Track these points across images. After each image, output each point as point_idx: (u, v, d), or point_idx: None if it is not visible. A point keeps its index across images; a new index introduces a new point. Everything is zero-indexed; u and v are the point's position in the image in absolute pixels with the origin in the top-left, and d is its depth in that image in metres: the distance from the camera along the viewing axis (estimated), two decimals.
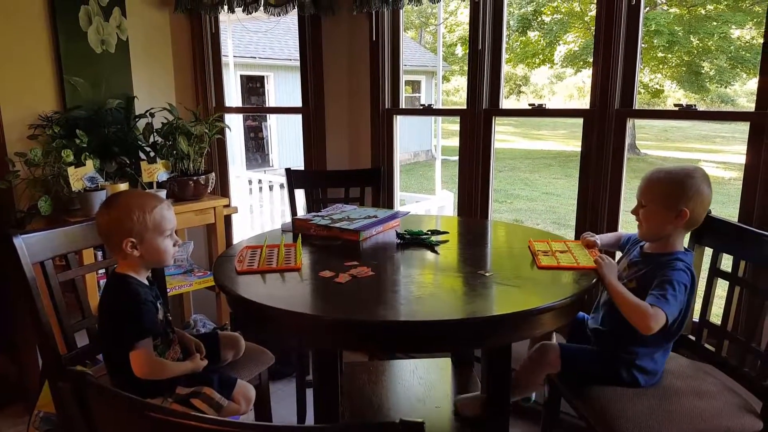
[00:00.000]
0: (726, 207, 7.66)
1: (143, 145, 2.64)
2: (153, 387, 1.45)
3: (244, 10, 2.58)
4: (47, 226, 1.80)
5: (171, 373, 1.47)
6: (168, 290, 2.19)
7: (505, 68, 2.32)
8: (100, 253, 2.18)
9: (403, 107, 2.66)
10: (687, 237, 1.66)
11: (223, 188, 3.07)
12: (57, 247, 1.65)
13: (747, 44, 12.21)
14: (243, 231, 3.98)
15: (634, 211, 1.56)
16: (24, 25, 2.42)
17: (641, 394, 1.47)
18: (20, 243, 1.52)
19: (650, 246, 1.58)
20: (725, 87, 13.63)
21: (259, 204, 4.90)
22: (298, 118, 2.82)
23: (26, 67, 2.44)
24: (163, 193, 2.47)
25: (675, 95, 13.62)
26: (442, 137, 8.70)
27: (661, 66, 13.10)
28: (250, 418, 1.84)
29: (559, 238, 1.77)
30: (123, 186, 2.35)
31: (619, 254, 1.76)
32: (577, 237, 2.09)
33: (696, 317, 1.69)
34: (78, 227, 1.71)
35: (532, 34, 14.35)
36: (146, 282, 1.52)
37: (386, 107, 2.59)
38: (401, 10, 2.47)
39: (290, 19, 2.85)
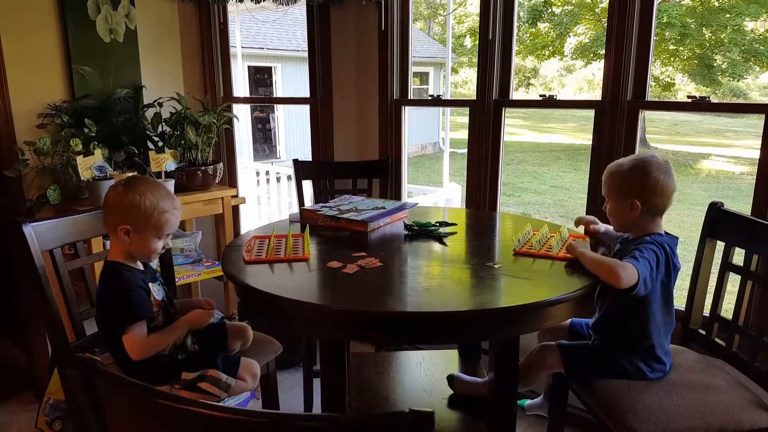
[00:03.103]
0: (736, 202, 7.59)
1: (151, 134, 2.64)
2: (159, 374, 1.46)
3: None
4: (56, 214, 1.81)
5: (166, 341, 1.47)
6: (176, 279, 2.19)
7: (515, 60, 2.30)
8: (108, 242, 2.19)
9: (412, 98, 2.64)
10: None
11: (231, 179, 3.07)
12: (66, 236, 1.66)
13: (761, 37, 12.05)
14: (250, 222, 3.99)
15: (604, 206, 1.58)
16: (32, 14, 2.42)
17: (650, 387, 1.46)
18: (30, 231, 1.53)
19: (630, 235, 1.58)
20: (737, 80, 13.47)
21: (266, 195, 4.91)
22: (306, 109, 2.81)
23: (35, 57, 2.44)
24: (171, 184, 2.47)
25: (686, 88, 13.47)
26: (450, 130, 8.65)
27: (672, 59, 12.95)
28: (257, 407, 1.85)
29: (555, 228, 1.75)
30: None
31: None
32: (586, 231, 2.07)
33: (707, 311, 1.68)
34: (86, 216, 1.71)
35: (542, 26, 14.23)
36: (139, 266, 1.52)
37: (395, 98, 2.58)
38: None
39: (298, 10, 2.84)
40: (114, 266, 1.47)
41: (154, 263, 1.71)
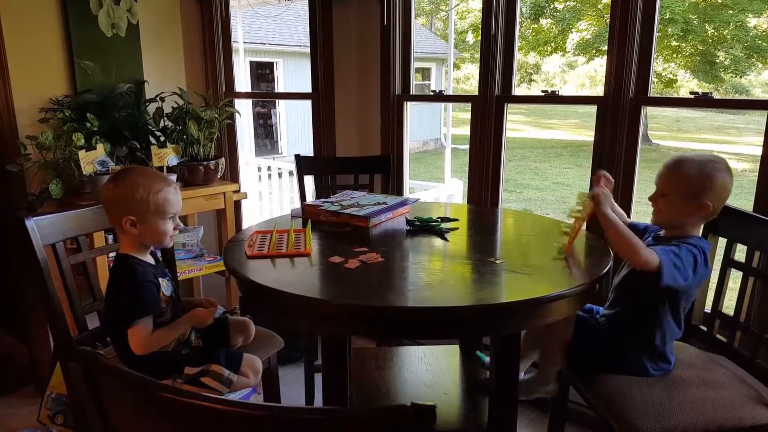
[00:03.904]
0: (738, 198, 7.54)
1: (153, 129, 2.64)
2: (161, 369, 1.47)
3: None
4: (58, 209, 1.81)
5: (170, 338, 1.48)
6: (178, 274, 2.20)
7: (517, 56, 2.30)
8: (110, 237, 2.20)
9: (414, 94, 2.64)
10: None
11: (232, 174, 3.07)
12: (68, 230, 1.66)
13: (764, 33, 12.02)
14: (252, 217, 4.00)
15: (653, 198, 1.53)
16: (35, 8, 2.42)
17: (652, 383, 1.46)
18: (32, 225, 1.53)
19: (665, 233, 1.56)
20: (740, 77, 13.45)
21: (268, 191, 4.91)
22: (308, 105, 2.81)
23: (37, 51, 2.44)
24: (173, 178, 2.47)
25: (689, 85, 13.45)
26: (452, 125, 8.63)
27: (674, 55, 12.92)
28: (259, 402, 1.85)
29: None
30: None
31: None
32: (589, 228, 2.07)
33: (708, 308, 1.68)
34: (89, 210, 1.72)
35: (544, 22, 14.20)
36: (150, 260, 1.52)
37: (397, 93, 2.57)
38: None
39: (300, 5, 2.83)
40: (126, 259, 1.47)
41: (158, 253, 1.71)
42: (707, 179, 1.44)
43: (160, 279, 1.50)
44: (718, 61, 12.59)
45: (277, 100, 12.42)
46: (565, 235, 1.54)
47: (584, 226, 1.56)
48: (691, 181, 1.45)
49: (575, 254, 1.53)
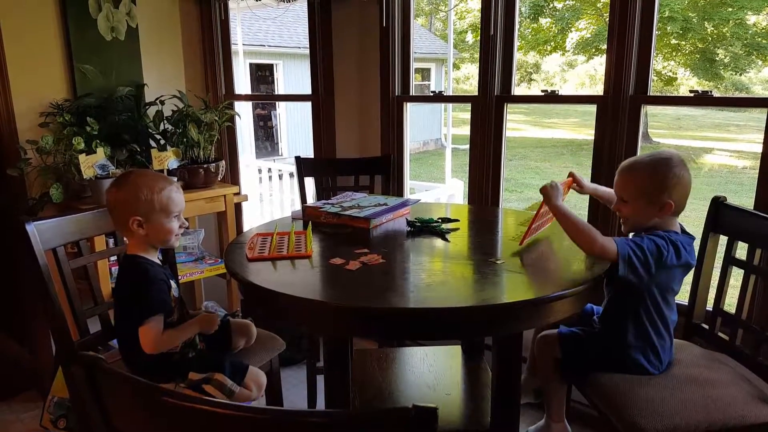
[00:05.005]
0: (739, 196, 7.57)
1: (153, 132, 2.65)
2: (166, 372, 1.47)
3: None
4: (59, 213, 1.81)
5: (179, 339, 1.49)
6: (179, 277, 2.20)
7: (517, 55, 2.30)
8: (111, 240, 2.20)
9: (414, 94, 2.64)
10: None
11: (233, 176, 3.07)
12: (68, 234, 1.66)
13: (763, 30, 12.01)
14: (253, 219, 3.99)
15: (616, 208, 1.52)
16: (34, 12, 2.42)
17: (653, 381, 1.45)
18: (32, 230, 1.53)
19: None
20: (740, 74, 13.42)
21: (268, 193, 4.91)
22: (308, 106, 2.81)
23: (37, 55, 2.44)
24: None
25: (688, 83, 13.43)
26: (452, 126, 8.63)
27: (674, 53, 12.91)
28: (261, 404, 1.85)
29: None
30: None
31: None
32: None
33: (710, 306, 1.68)
34: (89, 214, 1.72)
35: (544, 21, 14.19)
36: (157, 261, 1.54)
37: (396, 94, 2.57)
38: None
39: (299, 6, 2.83)
40: (135, 260, 1.49)
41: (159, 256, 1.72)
42: (663, 179, 1.42)
43: (170, 279, 1.52)
44: (717, 58, 12.57)
45: (277, 102, 12.41)
46: (522, 226, 1.57)
47: (542, 222, 1.58)
48: (648, 184, 1.44)
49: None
